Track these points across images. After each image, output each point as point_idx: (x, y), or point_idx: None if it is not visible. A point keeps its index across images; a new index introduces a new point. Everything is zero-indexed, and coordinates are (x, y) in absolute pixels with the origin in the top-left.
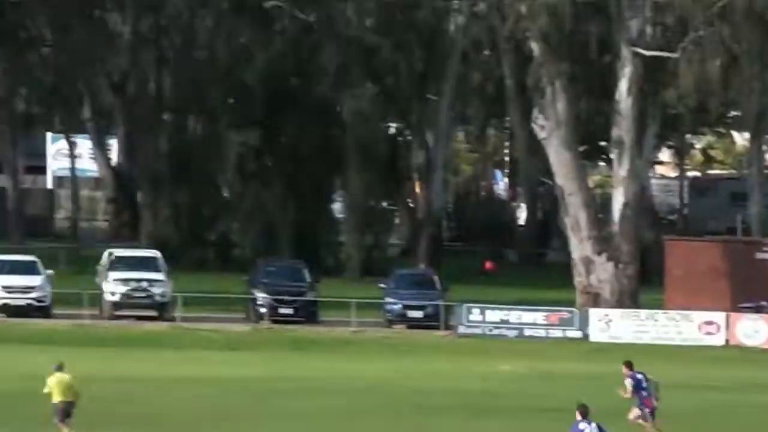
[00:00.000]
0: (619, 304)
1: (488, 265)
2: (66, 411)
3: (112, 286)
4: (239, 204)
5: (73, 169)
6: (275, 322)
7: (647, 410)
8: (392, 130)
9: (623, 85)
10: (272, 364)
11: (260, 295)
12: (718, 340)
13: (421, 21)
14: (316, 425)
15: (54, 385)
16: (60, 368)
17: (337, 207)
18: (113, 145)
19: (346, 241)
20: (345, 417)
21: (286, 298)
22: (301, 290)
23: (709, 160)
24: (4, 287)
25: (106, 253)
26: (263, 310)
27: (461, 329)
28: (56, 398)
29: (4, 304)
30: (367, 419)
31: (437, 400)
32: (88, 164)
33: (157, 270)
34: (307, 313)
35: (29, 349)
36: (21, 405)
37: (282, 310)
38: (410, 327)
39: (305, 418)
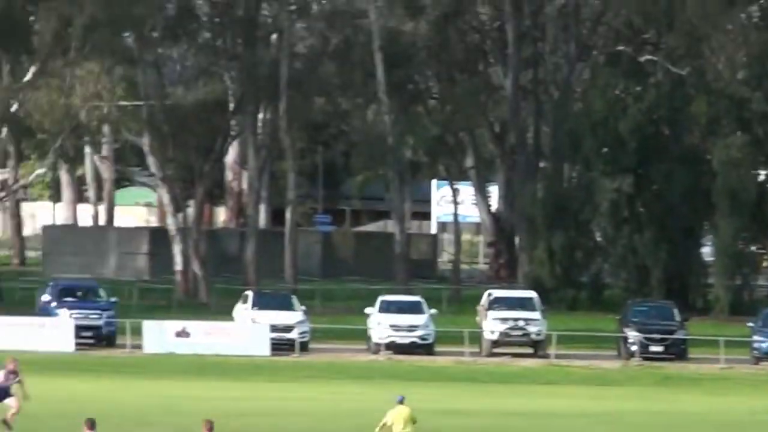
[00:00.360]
0: None
1: None
2: None
3: (492, 325)
4: (611, 247)
5: (456, 214)
6: (646, 359)
7: None
8: (761, 177)
9: None
10: (642, 398)
11: (631, 333)
12: None
13: None
14: None
15: (395, 417)
16: (402, 401)
17: (706, 250)
18: (493, 191)
19: (715, 283)
20: None
21: (656, 336)
22: (671, 329)
23: None
24: (391, 326)
25: (485, 294)
26: (634, 347)
27: None
28: (396, 429)
29: (391, 342)
30: None
31: None
32: (469, 210)
33: (533, 309)
34: (677, 351)
35: (414, 385)
36: None
37: (652, 348)
38: None
39: None
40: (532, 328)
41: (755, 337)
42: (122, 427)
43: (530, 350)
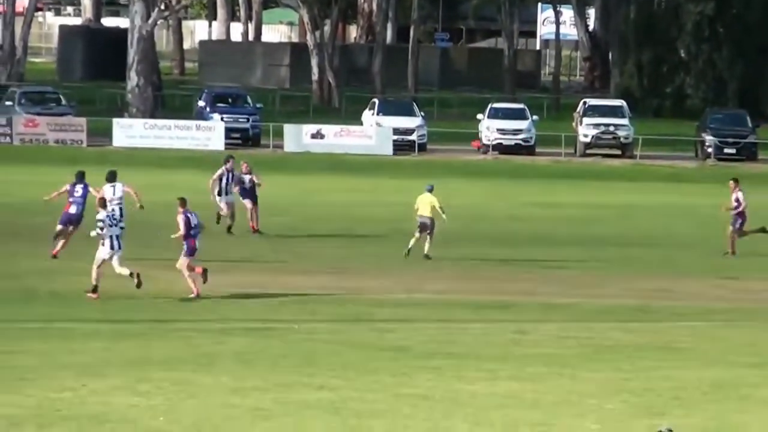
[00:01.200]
0: None
1: None
2: (425, 225)
3: (585, 129)
4: (693, 62)
5: (557, 33)
6: (720, 159)
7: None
8: None
9: None
10: (715, 194)
11: (708, 138)
12: None
13: None
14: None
15: (421, 202)
16: (431, 190)
17: None
18: (591, 13)
19: None
20: None
21: (730, 140)
22: (744, 133)
23: None
24: (499, 129)
25: (581, 103)
26: (710, 149)
27: None
28: (421, 213)
29: (498, 143)
30: None
31: None
32: (569, 29)
33: (622, 116)
34: (748, 153)
35: (517, 181)
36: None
37: (726, 150)
38: None
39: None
40: (621, 132)
41: None
42: (263, 214)
43: (618, 151)
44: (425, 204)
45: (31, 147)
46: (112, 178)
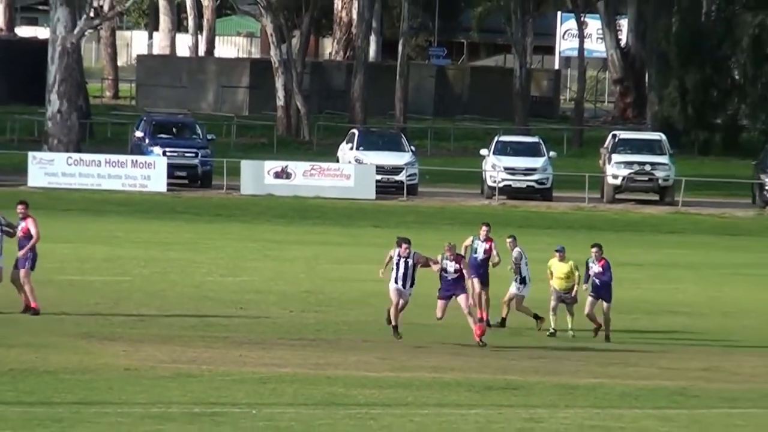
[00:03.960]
0: None
1: None
2: (560, 298)
3: (615, 169)
4: (750, 87)
5: (581, 49)
6: None
7: None
8: None
9: None
10: None
11: None
12: None
13: None
14: None
15: (553, 269)
16: (562, 253)
17: None
18: (623, 25)
19: None
20: None
21: None
22: None
23: None
24: (507, 169)
25: (610, 136)
26: None
27: None
28: (555, 284)
29: (506, 186)
30: None
31: None
32: (596, 45)
33: (661, 153)
34: None
35: (529, 232)
36: None
37: None
38: None
39: None
40: (659, 173)
41: None
42: (212, 273)
43: (656, 196)
44: (561, 269)
45: None
46: None
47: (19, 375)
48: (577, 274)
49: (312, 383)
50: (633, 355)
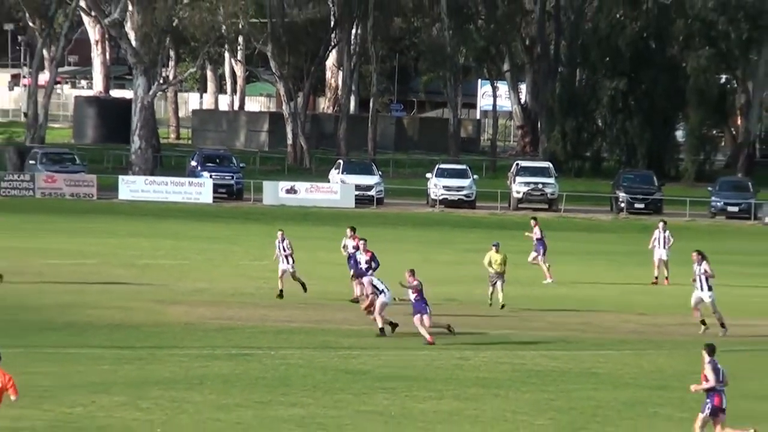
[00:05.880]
0: None
1: None
2: (495, 279)
3: (518, 187)
4: (609, 131)
5: (494, 105)
6: (631, 213)
7: None
8: (722, 80)
9: None
10: (626, 242)
11: (621, 194)
12: None
13: (749, 3)
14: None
15: (491, 258)
16: (497, 246)
17: (679, 134)
18: (523, 88)
19: (685, 158)
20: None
21: (639, 196)
22: (651, 191)
23: None
24: (444, 187)
25: (514, 164)
26: (623, 204)
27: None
28: (492, 269)
29: (444, 198)
30: None
31: None
32: (504, 102)
33: (549, 176)
34: (655, 207)
35: (459, 231)
36: None
37: (636, 205)
38: (728, 218)
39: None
40: (548, 189)
41: (712, 198)
42: (244, 258)
43: (546, 206)
44: (496, 261)
45: (50, 200)
46: None
47: (113, 328)
48: (506, 262)
49: (312, 334)
50: (529, 314)
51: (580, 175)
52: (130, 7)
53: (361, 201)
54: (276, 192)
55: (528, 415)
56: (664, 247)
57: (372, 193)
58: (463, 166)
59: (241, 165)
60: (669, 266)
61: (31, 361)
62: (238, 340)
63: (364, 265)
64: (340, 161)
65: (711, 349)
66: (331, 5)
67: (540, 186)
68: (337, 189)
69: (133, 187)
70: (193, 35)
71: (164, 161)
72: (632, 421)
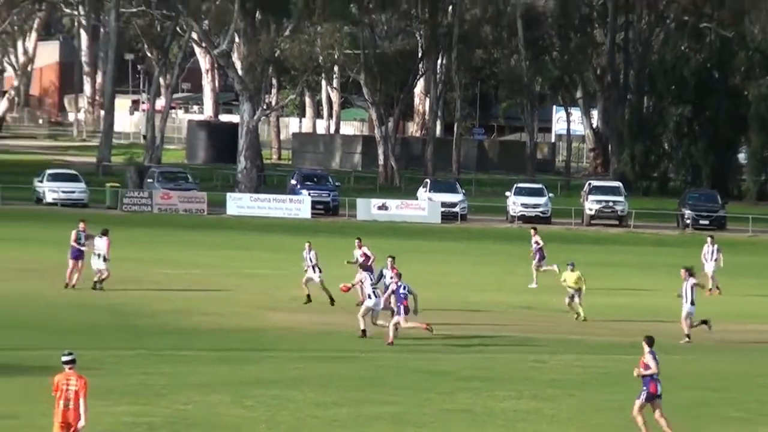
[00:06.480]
0: None
1: None
2: (572, 296)
3: (590, 204)
4: (675, 153)
5: (568, 129)
6: (696, 229)
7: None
8: None
9: None
10: (693, 256)
11: (687, 212)
12: None
13: None
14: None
15: (566, 277)
16: (572, 266)
17: (741, 156)
18: (594, 114)
19: (747, 178)
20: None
21: (704, 213)
22: (715, 209)
23: None
24: (522, 204)
25: (587, 184)
26: (688, 221)
27: None
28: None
29: (522, 215)
30: None
31: None
32: (578, 126)
33: (619, 194)
34: (719, 224)
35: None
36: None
37: (702, 221)
38: None
39: None
40: (618, 207)
41: None
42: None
43: (616, 222)
44: (573, 280)
45: (165, 215)
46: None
47: (213, 333)
48: (582, 280)
49: (399, 337)
50: (597, 323)
51: (648, 194)
52: (237, 39)
53: (446, 217)
54: (368, 208)
55: (601, 414)
56: (712, 260)
57: (456, 209)
58: (539, 185)
59: (336, 184)
60: (716, 278)
61: (150, 362)
62: (333, 343)
63: (388, 280)
64: (427, 180)
65: (650, 341)
66: (418, 38)
67: (611, 204)
68: (424, 206)
69: (239, 204)
70: (293, 65)
71: (267, 180)
72: (696, 420)
